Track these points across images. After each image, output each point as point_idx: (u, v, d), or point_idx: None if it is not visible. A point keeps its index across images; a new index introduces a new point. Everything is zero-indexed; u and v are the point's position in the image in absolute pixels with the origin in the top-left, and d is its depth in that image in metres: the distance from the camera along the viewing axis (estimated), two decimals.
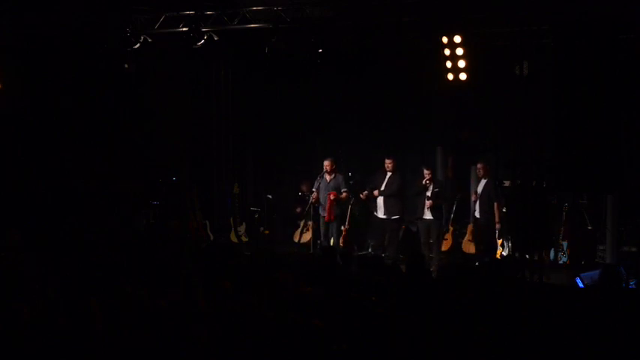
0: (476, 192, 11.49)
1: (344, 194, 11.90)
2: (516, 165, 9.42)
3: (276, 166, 14.69)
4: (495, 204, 11.24)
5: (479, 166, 11.50)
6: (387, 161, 11.80)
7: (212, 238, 13.46)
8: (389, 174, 11.80)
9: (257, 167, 15.14)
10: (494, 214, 11.28)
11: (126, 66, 12.48)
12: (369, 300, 6.48)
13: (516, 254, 9.70)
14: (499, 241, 11.54)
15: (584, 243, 11.45)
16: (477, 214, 11.45)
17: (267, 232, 14.39)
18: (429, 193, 11.50)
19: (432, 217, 11.54)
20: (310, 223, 12.37)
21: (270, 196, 14.23)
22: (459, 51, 10.72)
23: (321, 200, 12.03)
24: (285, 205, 14.39)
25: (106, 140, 13.62)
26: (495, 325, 6.01)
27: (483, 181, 11.42)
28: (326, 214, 11.90)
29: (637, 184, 10.45)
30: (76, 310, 5.99)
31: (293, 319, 5.84)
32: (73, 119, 13.42)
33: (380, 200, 11.78)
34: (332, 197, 11.80)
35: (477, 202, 11.43)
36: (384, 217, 11.77)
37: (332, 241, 11.95)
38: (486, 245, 11.37)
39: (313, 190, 12.17)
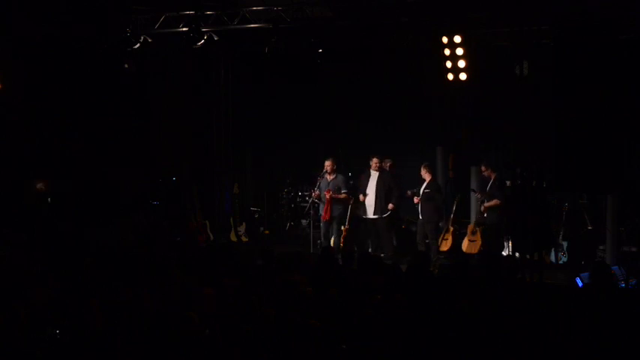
0: (482, 191, 11.51)
1: (343, 195, 11.89)
2: (516, 165, 9.41)
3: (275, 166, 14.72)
4: (495, 200, 11.26)
5: (482, 168, 11.54)
6: (375, 160, 11.78)
7: (212, 238, 13.46)
8: (375, 173, 11.77)
9: (257, 167, 15.16)
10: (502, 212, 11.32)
11: (126, 66, 12.48)
12: (369, 300, 6.48)
13: (516, 254, 9.70)
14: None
15: (584, 243, 11.45)
16: (485, 214, 11.46)
17: (267, 232, 14.41)
18: (421, 192, 11.58)
19: (420, 218, 11.61)
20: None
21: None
22: (459, 51, 10.73)
23: (322, 199, 12.03)
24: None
25: (106, 140, 13.63)
26: (495, 325, 6.01)
27: (490, 181, 11.44)
28: (323, 213, 11.90)
29: (637, 184, 10.44)
30: (76, 310, 6.00)
31: (293, 319, 5.85)
32: (72, 119, 13.43)
33: (370, 200, 11.75)
34: (328, 196, 11.80)
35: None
36: (376, 216, 11.76)
37: (332, 241, 11.96)
38: (493, 245, 11.37)
39: (315, 189, 12.17)
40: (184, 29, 11.70)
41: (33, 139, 13.20)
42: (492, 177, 11.45)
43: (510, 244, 10.80)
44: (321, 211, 12.08)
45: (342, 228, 11.94)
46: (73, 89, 13.20)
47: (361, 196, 11.80)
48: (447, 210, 12.17)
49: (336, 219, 11.93)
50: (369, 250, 12.23)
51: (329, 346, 5.62)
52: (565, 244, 11.44)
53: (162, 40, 12.30)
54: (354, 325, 5.97)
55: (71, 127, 13.48)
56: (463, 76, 10.83)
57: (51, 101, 13.10)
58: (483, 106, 12.23)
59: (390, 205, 11.67)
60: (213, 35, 11.77)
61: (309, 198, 12.68)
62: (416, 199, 11.73)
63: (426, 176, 11.66)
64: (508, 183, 11.21)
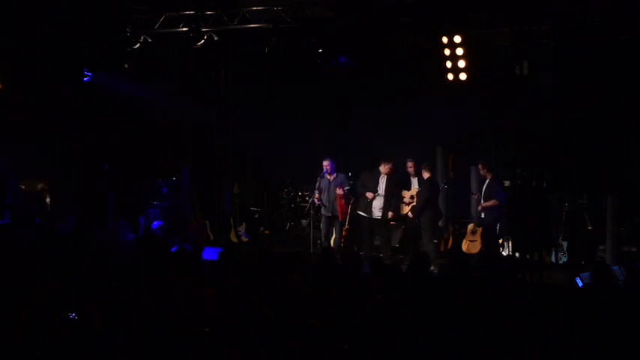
0: (479, 192, 11.51)
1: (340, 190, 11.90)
2: (516, 165, 9.41)
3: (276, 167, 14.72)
4: (493, 200, 11.23)
5: (479, 166, 11.51)
6: (388, 165, 11.76)
7: (212, 238, 13.47)
8: (385, 175, 11.76)
9: (257, 167, 15.16)
10: (500, 212, 11.29)
11: (126, 66, 12.49)
12: (369, 300, 6.48)
13: (516, 254, 9.70)
14: (499, 241, 11.53)
15: (584, 243, 11.45)
16: (482, 215, 11.43)
17: (267, 232, 14.41)
18: (412, 193, 11.56)
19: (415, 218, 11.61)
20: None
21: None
22: (459, 51, 10.74)
23: (323, 200, 12.03)
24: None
25: (106, 140, 13.64)
26: (495, 325, 6.01)
27: (487, 181, 11.41)
28: (338, 214, 11.85)
29: (637, 184, 10.45)
30: (76, 310, 5.99)
31: (293, 319, 5.85)
32: (72, 119, 13.44)
33: (379, 201, 11.75)
34: (340, 192, 11.79)
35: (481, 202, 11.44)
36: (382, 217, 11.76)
37: (332, 241, 11.95)
38: (490, 245, 11.34)
39: (315, 190, 12.16)
40: (184, 29, 11.71)
41: (33, 139, 13.22)
42: (489, 177, 11.39)
43: (510, 244, 10.80)
44: (323, 211, 12.07)
45: (343, 228, 11.95)
46: (73, 89, 13.22)
47: (369, 194, 11.76)
48: (448, 210, 12.19)
49: (337, 219, 11.94)
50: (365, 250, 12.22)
51: (329, 346, 5.62)
52: (565, 244, 11.44)
53: (162, 40, 12.30)
54: (354, 325, 5.97)
55: (71, 127, 13.49)
56: (463, 76, 10.84)
57: (51, 101, 13.11)
58: (483, 106, 12.23)
59: (390, 214, 11.69)
60: (213, 35, 11.78)
61: (309, 198, 12.66)
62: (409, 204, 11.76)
63: (425, 175, 11.66)
64: (508, 183, 11.21)
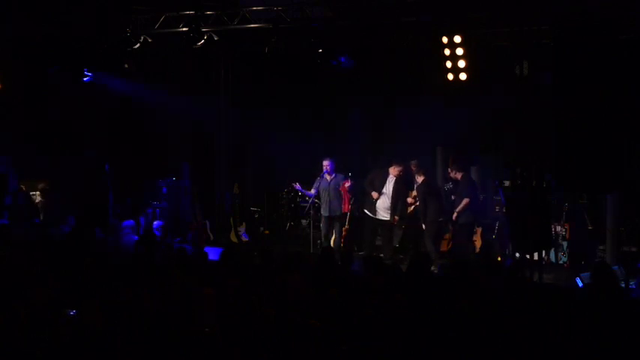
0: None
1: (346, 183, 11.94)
2: (516, 165, 9.41)
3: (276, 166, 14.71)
4: (464, 201, 11.09)
5: (449, 170, 11.41)
6: (398, 168, 11.75)
7: (212, 238, 13.47)
8: (393, 177, 11.74)
9: (257, 167, 15.16)
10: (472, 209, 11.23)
11: (126, 66, 12.49)
12: (369, 300, 6.48)
13: (516, 254, 9.69)
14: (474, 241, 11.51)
15: (584, 243, 11.44)
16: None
17: (267, 232, 14.41)
18: (415, 194, 11.54)
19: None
20: None
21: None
22: (459, 51, 10.73)
23: (322, 199, 12.03)
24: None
25: (106, 140, 13.64)
26: (495, 325, 6.01)
27: (459, 182, 11.35)
28: (344, 206, 11.89)
29: (637, 184, 10.45)
30: (76, 310, 6.00)
31: (293, 319, 5.85)
32: (73, 119, 13.44)
33: (384, 202, 11.74)
34: (347, 185, 11.80)
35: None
36: (386, 219, 11.75)
37: (332, 241, 11.95)
38: (465, 245, 11.27)
39: (313, 189, 12.16)
40: (184, 29, 11.71)
41: (33, 139, 13.22)
42: (459, 177, 11.28)
43: (510, 244, 10.80)
44: (322, 211, 12.07)
45: (342, 228, 11.95)
46: (73, 89, 13.21)
47: (375, 194, 11.77)
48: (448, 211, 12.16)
49: (337, 219, 11.94)
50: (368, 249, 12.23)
51: (329, 346, 5.62)
52: (565, 244, 11.43)
53: (162, 40, 12.30)
54: (354, 325, 5.97)
55: (71, 127, 13.50)
56: (463, 76, 10.83)
57: (51, 101, 13.12)
58: (483, 106, 12.22)
59: (396, 219, 11.69)
60: (213, 35, 11.78)
61: (309, 198, 12.66)
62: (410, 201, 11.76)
63: (419, 179, 11.61)
64: (508, 183, 11.19)
